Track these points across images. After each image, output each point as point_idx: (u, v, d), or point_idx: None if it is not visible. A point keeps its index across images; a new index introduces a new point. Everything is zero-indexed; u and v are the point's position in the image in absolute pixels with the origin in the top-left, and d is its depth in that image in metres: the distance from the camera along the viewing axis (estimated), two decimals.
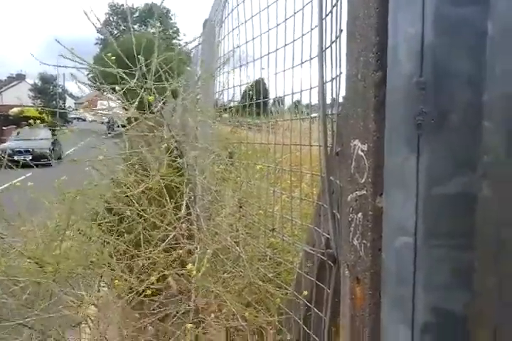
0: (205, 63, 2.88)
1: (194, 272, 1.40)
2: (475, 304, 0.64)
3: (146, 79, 2.30)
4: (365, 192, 0.85)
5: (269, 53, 1.42)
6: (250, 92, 2.00)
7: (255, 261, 1.60)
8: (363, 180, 0.85)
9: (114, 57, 2.28)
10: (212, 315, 1.71)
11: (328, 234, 1.19)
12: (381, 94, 0.77)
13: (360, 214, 0.87)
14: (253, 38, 1.53)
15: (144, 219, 1.94)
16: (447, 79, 0.65)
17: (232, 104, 2.44)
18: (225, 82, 2.39)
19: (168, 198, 1.99)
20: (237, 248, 1.50)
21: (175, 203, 2.01)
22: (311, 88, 1.16)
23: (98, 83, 2.29)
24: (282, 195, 1.64)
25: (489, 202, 0.60)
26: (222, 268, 1.79)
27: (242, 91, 2.19)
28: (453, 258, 0.67)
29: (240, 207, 1.70)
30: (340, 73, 0.94)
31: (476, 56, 0.63)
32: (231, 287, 1.60)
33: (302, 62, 1.17)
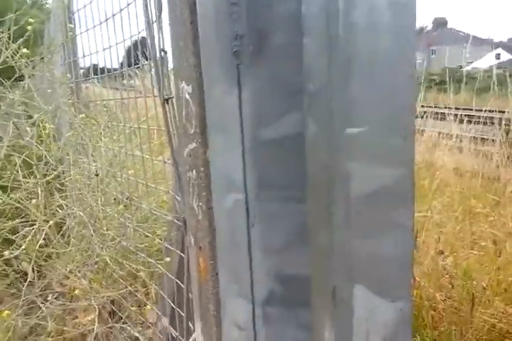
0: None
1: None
2: (313, 263, 0.53)
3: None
4: (195, 144, 0.70)
5: None
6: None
7: (116, 235, 1.43)
8: (193, 130, 0.70)
9: None
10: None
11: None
12: (196, 18, 0.62)
13: (194, 172, 0.73)
14: None
15: None
16: None
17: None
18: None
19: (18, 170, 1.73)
20: (86, 220, 1.32)
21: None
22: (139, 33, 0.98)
23: None
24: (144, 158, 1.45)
25: (316, 143, 0.48)
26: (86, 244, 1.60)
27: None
28: (289, 212, 0.55)
29: (97, 175, 1.50)
30: None
31: None
32: (90, 265, 1.42)
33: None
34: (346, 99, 0.42)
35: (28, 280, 1.48)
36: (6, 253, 1.38)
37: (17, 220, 1.54)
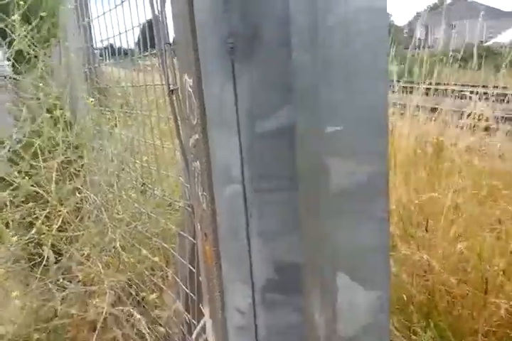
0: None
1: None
2: (304, 252, 0.56)
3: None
4: (197, 136, 0.72)
5: None
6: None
7: (132, 219, 1.47)
8: (195, 122, 0.72)
9: None
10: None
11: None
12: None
13: (198, 162, 0.75)
14: None
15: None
16: None
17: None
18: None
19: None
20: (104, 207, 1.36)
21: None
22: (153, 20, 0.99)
23: None
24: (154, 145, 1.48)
25: (305, 137, 0.50)
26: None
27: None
28: (283, 202, 0.57)
29: (112, 160, 1.54)
30: None
31: None
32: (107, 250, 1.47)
33: None
34: (326, 98, 0.44)
35: (44, 263, 1.53)
36: (14, 239, 1.43)
37: (31, 204, 1.59)
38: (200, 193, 0.77)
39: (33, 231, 1.46)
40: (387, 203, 0.44)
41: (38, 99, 1.66)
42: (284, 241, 0.58)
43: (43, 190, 1.70)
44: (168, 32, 0.83)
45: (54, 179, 1.53)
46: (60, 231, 1.57)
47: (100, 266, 1.39)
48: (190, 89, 0.71)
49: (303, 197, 0.52)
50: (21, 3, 1.82)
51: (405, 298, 2.16)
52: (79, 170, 1.69)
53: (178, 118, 0.92)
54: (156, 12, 0.86)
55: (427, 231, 2.48)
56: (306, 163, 0.50)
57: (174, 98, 0.88)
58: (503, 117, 4.71)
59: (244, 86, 0.55)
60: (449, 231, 2.54)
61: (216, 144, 0.63)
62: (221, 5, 0.54)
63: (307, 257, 0.55)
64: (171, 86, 0.83)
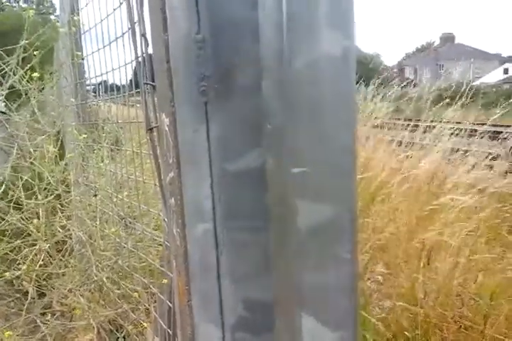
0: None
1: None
2: (275, 291, 0.56)
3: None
4: (173, 173, 0.73)
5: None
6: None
7: (113, 255, 1.46)
8: (171, 160, 0.74)
9: None
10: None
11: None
12: None
13: (173, 199, 0.76)
14: None
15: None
16: (224, 34, 0.55)
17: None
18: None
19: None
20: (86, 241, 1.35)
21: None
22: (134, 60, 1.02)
23: None
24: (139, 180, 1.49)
25: (274, 178, 0.51)
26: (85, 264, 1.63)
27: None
28: (254, 241, 0.58)
29: (95, 195, 1.54)
30: (143, 35, 0.80)
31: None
32: (88, 285, 1.45)
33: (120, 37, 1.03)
34: (292, 140, 0.45)
35: (29, 299, 1.51)
36: (7, 274, 1.41)
37: (18, 241, 1.57)
38: (175, 230, 0.78)
39: (17, 267, 1.45)
40: (353, 244, 0.45)
41: (29, 135, 1.67)
42: (254, 279, 0.59)
43: (28, 225, 1.69)
44: (153, 72, 0.86)
45: (39, 214, 1.53)
46: (42, 266, 1.55)
47: (82, 301, 1.37)
48: (167, 128, 0.73)
49: (272, 236, 0.53)
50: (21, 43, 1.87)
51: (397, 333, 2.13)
52: (65, 205, 1.69)
53: (158, 155, 0.93)
54: (140, 53, 0.89)
55: (428, 264, 2.47)
56: (275, 203, 0.51)
57: (155, 134, 0.90)
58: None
59: (217, 127, 0.57)
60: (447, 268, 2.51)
61: (189, 183, 0.64)
62: (195, 49, 0.56)
63: (276, 297, 0.55)
64: (152, 124, 0.85)
